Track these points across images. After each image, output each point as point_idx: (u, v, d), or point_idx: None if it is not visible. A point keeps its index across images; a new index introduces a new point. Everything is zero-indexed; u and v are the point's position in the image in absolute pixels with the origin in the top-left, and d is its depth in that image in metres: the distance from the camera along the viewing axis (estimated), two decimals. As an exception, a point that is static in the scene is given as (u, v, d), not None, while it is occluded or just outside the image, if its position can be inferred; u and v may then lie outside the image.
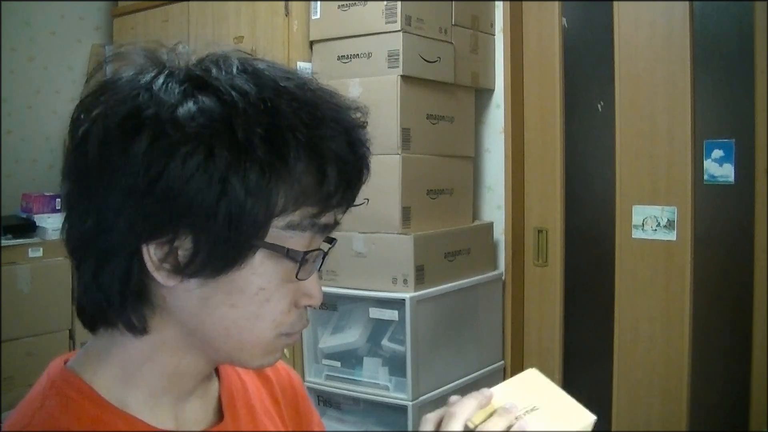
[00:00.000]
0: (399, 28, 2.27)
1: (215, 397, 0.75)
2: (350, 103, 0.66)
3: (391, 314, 2.29)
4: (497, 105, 2.72)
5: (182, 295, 0.62)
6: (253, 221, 0.59)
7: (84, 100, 0.63)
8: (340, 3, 2.41)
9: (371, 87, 2.33)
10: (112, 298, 0.62)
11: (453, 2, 2.51)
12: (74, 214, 0.63)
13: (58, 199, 3.26)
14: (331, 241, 0.70)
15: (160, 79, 0.61)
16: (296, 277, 0.63)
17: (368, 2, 2.34)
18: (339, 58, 2.43)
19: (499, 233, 2.71)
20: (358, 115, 0.66)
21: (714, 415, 2.41)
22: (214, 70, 0.62)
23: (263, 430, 0.78)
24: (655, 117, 2.41)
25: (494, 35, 2.71)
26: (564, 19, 2.62)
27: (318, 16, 2.48)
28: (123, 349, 0.66)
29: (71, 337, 3.16)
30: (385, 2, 2.29)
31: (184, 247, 0.60)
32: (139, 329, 0.64)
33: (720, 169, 2.32)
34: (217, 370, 0.77)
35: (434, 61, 2.41)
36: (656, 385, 2.43)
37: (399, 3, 2.27)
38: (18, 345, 2.94)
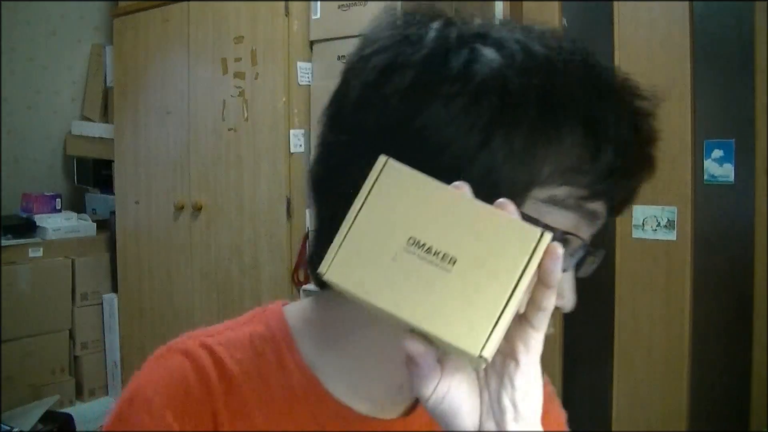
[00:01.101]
0: (399, 28, 2.27)
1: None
2: (640, 88, 0.58)
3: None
4: (497, 105, 2.72)
5: None
6: (510, 183, 0.52)
7: (350, 56, 0.61)
8: (340, 3, 2.41)
9: (371, 87, 2.33)
10: None
11: (453, 2, 2.51)
12: (323, 150, 0.61)
13: (58, 199, 3.26)
14: (593, 250, 0.58)
15: (434, 27, 0.57)
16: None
17: (368, 2, 2.34)
18: (339, 58, 2.43)
19: (499, 233, 2.70)
20: (646, 102, 0.58)
21: (714, 415, 2.41)
22: (496, 27, 0.57)
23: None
24: (655, 117, 2.40)
25: (494, 35, 2.71)
26: (564, 19, 2.62)
27: (318, 16, 2.48)
28: (335, 312, 0.63)
29: (71, 337, 3.17)
30: (385, 2, 2.29)
31: None
32: None
33: (720, 169, 2.32)
34: None
35: (434, 61, 2.41)
36: (656, 385, 2.43)
37: (399, 3, 2.27)
38: (18, 345, 2.94)
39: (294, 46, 2.52)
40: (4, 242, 2.92)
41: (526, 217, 0.50)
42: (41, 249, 3.06)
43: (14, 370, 2.90)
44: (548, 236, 0.44)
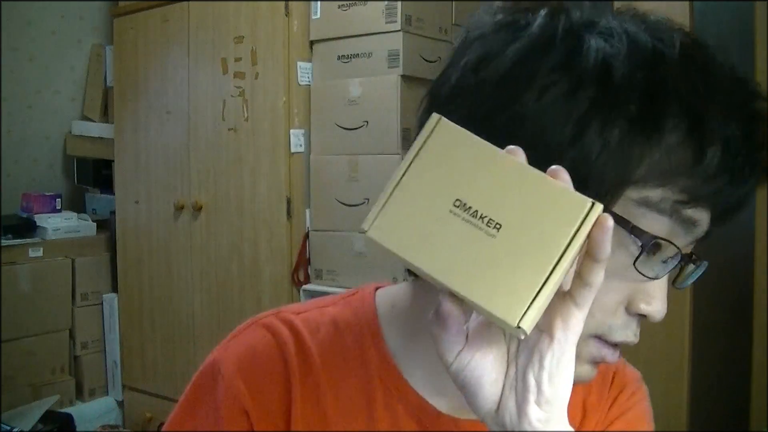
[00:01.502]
0: (399, 28, 2.27)
1: None
2: (758, 90, 0.54)
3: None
4: (497, 105, 2.72)
5: None
6: (601, 179, 0.50)
7: (458, 39, 0.59)
8: (340, 3, 2.41)
9: (371, 87, 2.33)
10: None
11: (453, 2, 2.51)
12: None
13: (58, 199, 3.26)
14: (689, 259, 0.57)
15: (542, 14, 0.54)
16: (634, 265, 0.52)
17: (368, 2, 2.34)
18: (339, 58, 2.43)
19: (499, 233, 2.70)
20: (762, 104, 0.54)
21: (714, 415, 2.41)
22: (608, 17, 0.54)
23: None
24: (655, 117, 2.41)
25: (494, 35, 2.71)
26: (564, 19, 2.62)
27: (318, 16, 2.48)
28: (420, 301, 0.61)
29: (71, 337, 3.17)
30: (385, 2, 2.30)
31: None
32: None
33: (720, 169, 2.32)
34: None
35: (434, 61, 2.41)
36: (656, 385, 2.42)
37: (399, 3, 2.27)
38: (18, 345, 2.94)
39: (294, 46, 2.52)
40: (4, 242, 2.92)
41: (616, 218, 0.48)
42: (41, 249, 3.06)
43: (14, 370, 2.90)
44: (599, 207, 0.42)
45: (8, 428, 2.64)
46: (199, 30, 2.79)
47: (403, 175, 0.45)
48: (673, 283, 0.58)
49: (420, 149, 0.45)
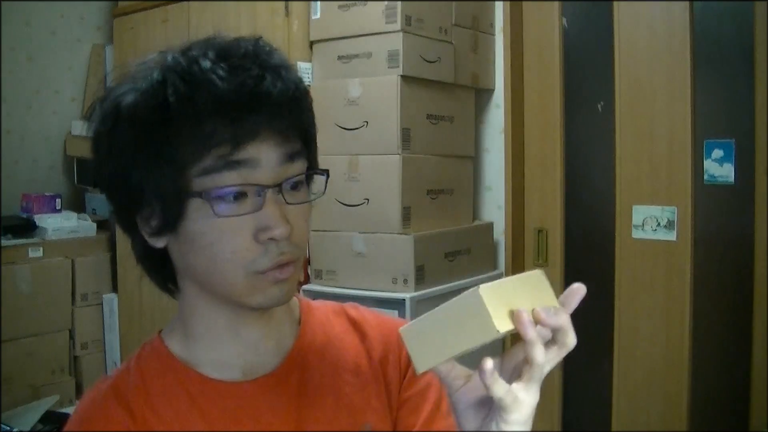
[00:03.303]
0: (399, 28, 2.27)
1: (286, 351, 0.80)
2: (239, 45, 0.70)
3: (391, 314, 2.28)
4: (497, 105, 2.72)
5: (174, 253, 0.74)
6: (168, 178, 0.67)
7: None
8: (340, 3, 2.40)
9: (371, 87, 2.33)
10: (145, 267, 0.80)
11: (453, 2, 2.51)
12: None
13: (58, 199, 3.26)
14: (311, 170, 0.76)
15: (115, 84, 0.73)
16: (214, 214, 0.67)
17: (368, 2, 2.34)
18: (339, 58, 2.43)
19: (499, 233, 2.71)
20: (247, 51, 0.69)
21: (714, 415, 2.41)
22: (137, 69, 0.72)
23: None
24: (655, 117, 2.40)
25: (494, 35, 2.71)
26: (564, 19, 2.62)
27: (318, 16, 2.48)
28: (181, 310, 0.80)
29: (71, 337, 3.17)
30: (385, 2, 2.29)
31: (150, 212, 0.71)
32: (172, 290, 0.79)
33: (720, 169, 2.32)
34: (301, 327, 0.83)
35: (434, 61, 2.41)
36: (656, 385, 2.43)
37: (399, 3, 2.27)
38: (18, 345, 2.94)
39: (294, 46, 2.51)
40: (4, 242, 2.92)
41: (191, 194, 0.67)
42: (41, 249, 3.06)
43: (14, 370, 2.90)
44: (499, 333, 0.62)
45: (8, 428, 2.64)
46: (199, 30, 2.78)
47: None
48: (312, 197, 0.76)
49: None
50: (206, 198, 0.67)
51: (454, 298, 0.64)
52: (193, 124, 0.66)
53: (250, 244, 0.69)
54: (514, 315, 0.63)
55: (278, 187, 0.69)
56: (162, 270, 0.78)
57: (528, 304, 0.64)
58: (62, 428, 0.75)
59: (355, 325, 0.86)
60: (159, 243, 0.73)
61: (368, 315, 0.89)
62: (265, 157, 0.68)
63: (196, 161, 0.67)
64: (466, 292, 0.63)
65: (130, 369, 0.78)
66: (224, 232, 0.68)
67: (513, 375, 0.65)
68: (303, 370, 0.79)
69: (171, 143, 0.66)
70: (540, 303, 0.65)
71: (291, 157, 0.71)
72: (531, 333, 0.62)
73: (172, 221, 0.69)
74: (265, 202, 0.68)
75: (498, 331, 0.61)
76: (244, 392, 0.76)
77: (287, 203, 0.70)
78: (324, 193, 0.78)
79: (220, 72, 0.66)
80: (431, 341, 0.65)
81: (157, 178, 0.67)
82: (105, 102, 0.71)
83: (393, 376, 0.83)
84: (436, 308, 0.65)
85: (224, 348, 0.77)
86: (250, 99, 0.67)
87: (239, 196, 0.68)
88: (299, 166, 0.73)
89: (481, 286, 0.62)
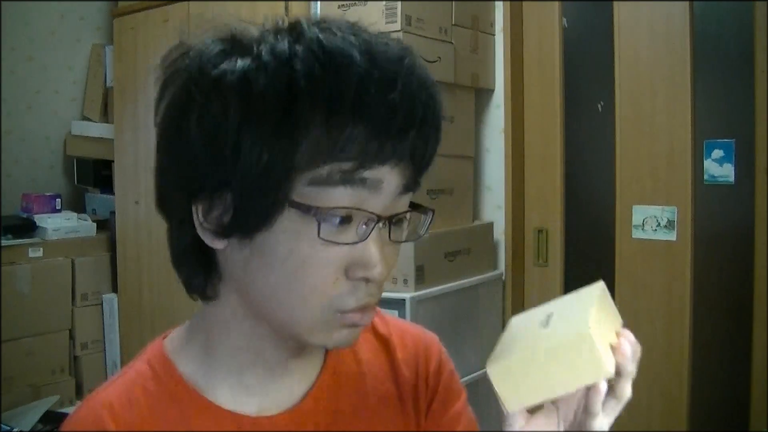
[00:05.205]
0: (399, 28, 2.27)
1: (311, 381, 0.71)
2: (393, 49, 0.62)
3: (391, 314, 2.29)
4: (497, 105, 2.72)
5: (231, 259, 0.62)
6: (269, 176, 0.55)
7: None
8: (340, 3, 2.40)
9: (371, 87, 2.33)
10: (179, 260, 0.66)
11: (453, 2, 2.51)
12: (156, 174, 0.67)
13: (58, 199, 3.26)
14: (419, 208, 0.63)
15: (207, 44, 0.65)
16: (318, 236, 0.56)
17: (368, 2, 2.34)
18: (339, 58, 2.43)
19: (499, 233, 2.70)
20: (404, 60, 0.60)
21: (714, 415, 2.41)
22: (261, 34, 0.65)
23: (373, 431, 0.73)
24: (655, 117, 2.40)
25: (494, 35, 2.71)
26: (564, 19, 2.62)
27: (318, 16, 2.48)
28: (204, 322, 0.68)
29: (71, 337, 3.17)
30: (385, 2, 2.29)
31: (219, 205, 0.59)
32: (209, 295, 0.65)
33: (720, 169, 2.32)
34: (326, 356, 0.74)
35: (434, 61, 2.41)
36: (656, 385, 2.43)
37: (399, 3, 2.27)
38: (18, 345, 2.94)
39: (294, 46, 2.51)
40: (4, 242, 2.92)
41: (294, 204, 0.56)
42: (41, 249, 3.06)
43: (14, 370, 2.90)
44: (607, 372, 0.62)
45: (8, 428, 2.64)
46: (199, 30, 2.78)
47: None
48: (411, 236, 0.64)
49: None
50: (316, 215, 0.56)
51: (548, 331, 0.62)
52: (332, 124, 0.55)
53: (339, 278, 0.59)
54: (615, 349, 0.61)
55: (389, 220, 0.60)
56: (207, 273, 0.65)
57: (611, 330, 0.63)
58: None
59: (383, 343, 0.78)
60: (218, 244, 0.61)
61: (394, 329, 0.82)
62: (387, 183, 0.58)
63: (313, 167, 0.56)
64: (568, 330, 0.61)
65: (128, 390, 0.67)
66: (315, 258, 0.58)
67: (576, 417, 0.66)
68: (332, 404, 0.70)
69: (292, 136, 0.55)
70: (616, 326, 0.65)
71: (407, 189, 0.61)
72: (631, 367, 0.60)
73: (252, 226, 0.57)
74: (370, 234, 0.58)
75: (610, 372, 0.58)
76: (262, 428, 0.67)
77: (390, 240, 0.61)
78: (424, 234, 0.66)
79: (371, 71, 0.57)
80: (526, 380, 0.60)
81: (256, 171, 0.55)
82: (192, 61, 0.62)
83: (422, 405, 0.77)
84: (522, 337, 0.63)
85: (245, 370, 0.67)
86: (408, 116, 0.57)
87: (344, 220, 0.57)
88: (407, 200, 0.62)
89: (590, 322, 0.60)
